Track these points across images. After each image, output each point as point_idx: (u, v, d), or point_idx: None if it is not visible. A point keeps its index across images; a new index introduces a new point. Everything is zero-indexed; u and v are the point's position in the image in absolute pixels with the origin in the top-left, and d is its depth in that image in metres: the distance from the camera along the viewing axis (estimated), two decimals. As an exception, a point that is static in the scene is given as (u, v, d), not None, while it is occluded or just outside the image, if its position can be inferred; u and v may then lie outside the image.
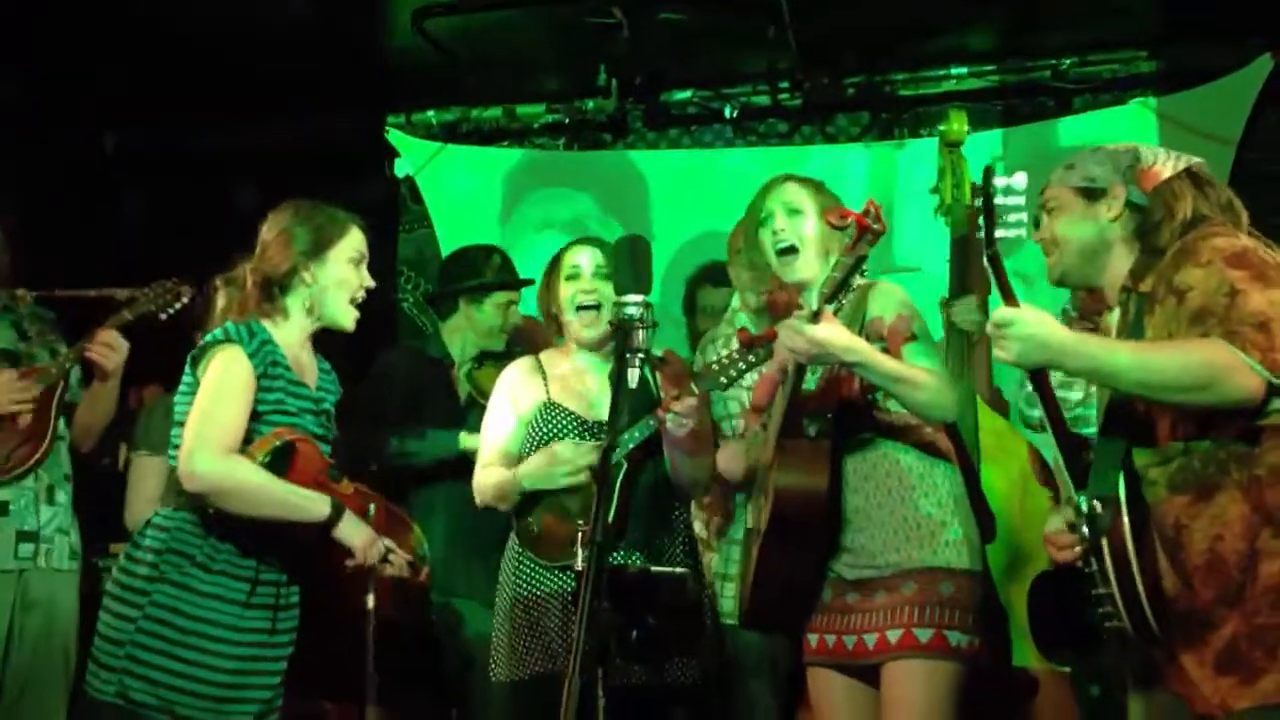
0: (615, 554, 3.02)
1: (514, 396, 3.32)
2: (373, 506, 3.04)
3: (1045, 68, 4.98)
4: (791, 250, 3.01)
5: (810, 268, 3.00)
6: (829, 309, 2.81)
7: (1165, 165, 2.48)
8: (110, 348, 3.59)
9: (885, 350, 2.85)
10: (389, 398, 3.91)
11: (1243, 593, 2.27)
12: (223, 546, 2.88)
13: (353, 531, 2.92)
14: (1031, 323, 2.33)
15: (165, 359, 3.67)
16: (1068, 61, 4.95)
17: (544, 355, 3.37)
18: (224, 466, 2.81)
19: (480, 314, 4.02)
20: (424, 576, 3.33)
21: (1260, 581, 2.26)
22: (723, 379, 3.01)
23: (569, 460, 3.12)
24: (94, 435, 3.78)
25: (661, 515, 3.20)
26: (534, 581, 3.21)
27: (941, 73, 5.08)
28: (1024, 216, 2.55)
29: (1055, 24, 4.83)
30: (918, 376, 2.83)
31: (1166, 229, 2.43)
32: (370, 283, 3.04)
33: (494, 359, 3.96)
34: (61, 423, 3.69)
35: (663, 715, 3.10)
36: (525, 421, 3.29)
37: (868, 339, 2.87)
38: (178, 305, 3.58)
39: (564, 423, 3.24)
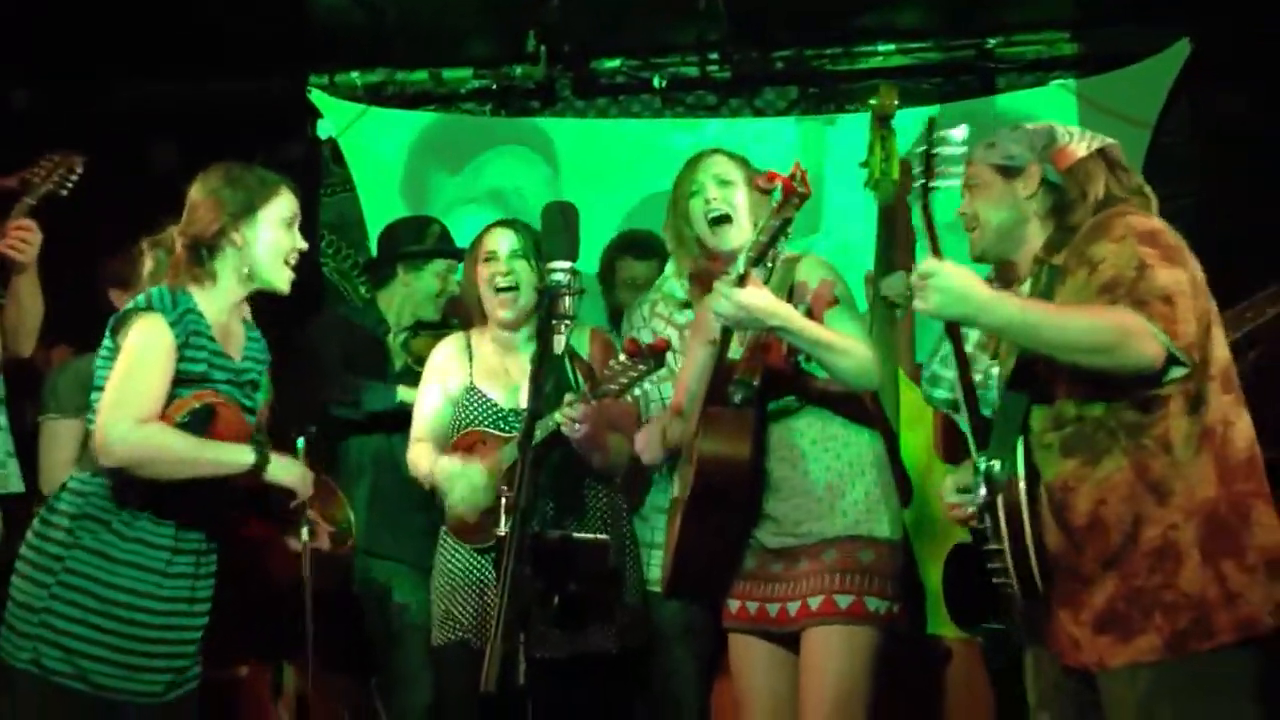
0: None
1: (443, 376, 3.40)
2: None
3: (971, 47, 5.04)
4: (725, 219, 3.04)
5: (742, 235, 3.02)
6: (755, 273, 2.84)
7: (1080, 145, 2.56)
8: (24, 238, 3.41)
9: (809, 315, 2.87)
10: (326, 355, 3.91)
11: (1121, 555, 2.36)
12: (140, 514, 2.82)
13: (284, 471, 2.88)
14: (954, 275, 2.39)
15: (75, 318, 3.61)
16: (993, 41, 5.02)
17: (473, 334, 3.44)
18: (139, 434, 2.74)
19: (419, 281, 4.03)
20: (348, 546, 3.34)
21: (1140, 546, 2.36)
22: (611, 386, 3.01)
23: (466, 491, 3.18)
24: (29, 334, 3.57)
25: (572, 495, 3.25)
26: (459, 561, 3.30)
27: (870, 49, 5.12)
28: (962, 169, 2.63)
29: (982, 4, 4.90)
30: (842, 342, 2.86)
31: (1079, 208, 2.51)
32: (303, 245, 2.98)
33: (430, 328, 3.98)
34: None
35: (584, 683, 3.14)
36: (452, 401, 3.37)
37: (794, 305, 2.89)
38: (74, 178, 3.46)
39: (482, 409, 3.33)
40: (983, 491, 2.43)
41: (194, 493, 2.82)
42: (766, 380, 2.92)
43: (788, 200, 2.76)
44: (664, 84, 5.25)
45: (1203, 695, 2.31)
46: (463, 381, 3.36)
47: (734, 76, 5.21)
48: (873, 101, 3.97)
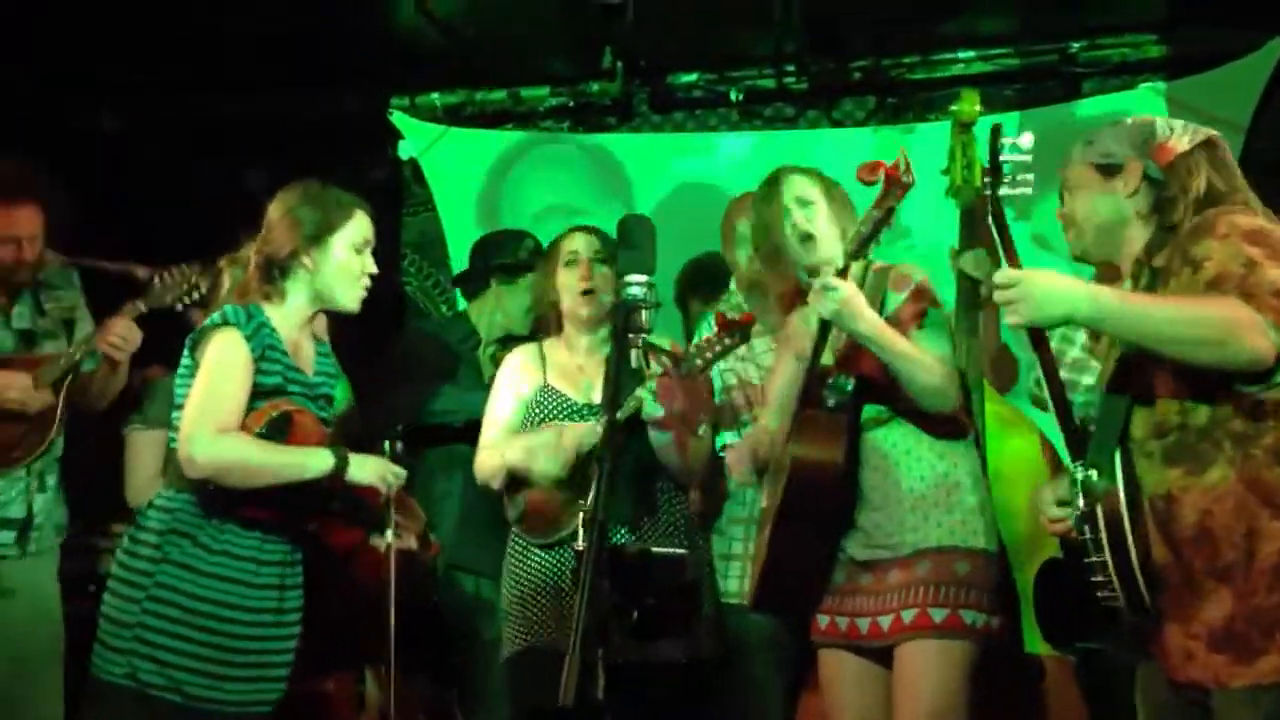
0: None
1: (515, 381, 3.41)
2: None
3: (1054, 51, 4.95)
4: (809, 238, 3.02)
5: (831, 248, 3.01)
6: (854, 265, 2.83)
7: (1182, 139, 2.47)
8: (123, 339, 3.56)
9: (902, 310, 2.88)
10: (415, 366, 3.96)
11: (1235, 570, 2.28)
12: (225, 527, 2.88)
13: (364, 470, 2.93)
14: (1039, 277, 2.34)
15: (168, 339, 3.69)
16: (1076, 45, 4.92)
17: (545, 343, 3.45)
18: (221, 445, 2.81)
19: (512, 295, 4.07)
20: (434, 550, 3.37)
21: (1258, 562, 2.27)
22: (698, 360, 3.02)
23: (550, 442, 3.15)
24: (100, 407, 3.77)
25: (646, 493, 3.22)
26: (526, 560, 3.28)
27: (949, 56, 5.05)
28: (1031, 176, 2.57)
29: (1064, 7, 4.80)
30: (925, 360, 2.83)
31: (1181, 204, 2.42)
32: (373, 269, 3.03)
33: (519, 342, 3.99)
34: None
35: (658, 695, 3.12)
36: (525, 405, 3.36)
37: (884, 315, 2.88)
38: (193, 297, 3.52)
39: (557, 405, 3.33)
40: (1081, 502, 2.35)
41: (276, 502, 2.87)
42: (860, 386, 2.90)
43: (889, 190, 2.76)
44: (740, 97, 5.24)
45: None
46: (536, 383, 3.38)
47: (811, 87, 5.18)
48: (954, 108, 3.90)
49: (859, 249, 2.82)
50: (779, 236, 3.07)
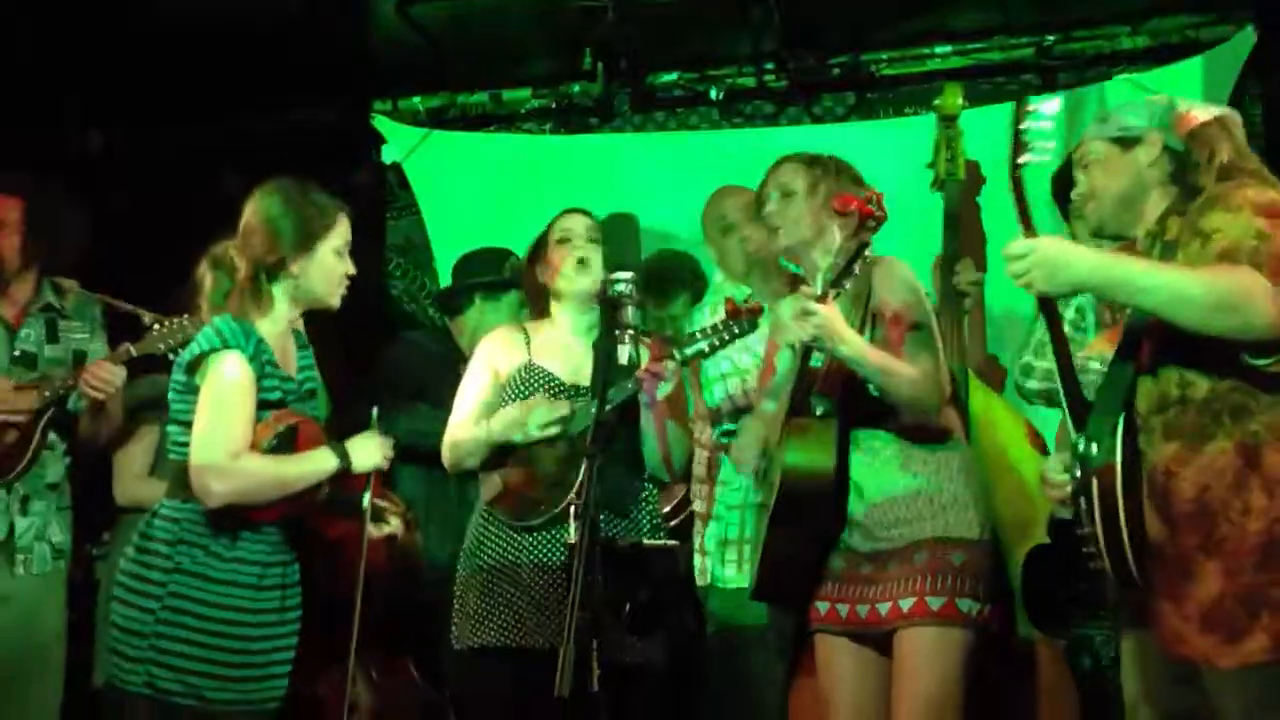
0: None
1: (494, 358, 3.36)
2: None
3: (1030, 45, 4.98)
4: (775, 229, 3.10)
5: (790, 239, 3.07)
6: (833, 294, 2.86)
7: (1201, 112, 2.51)
8: (104, 382, 3.57)
9: (887, 334, 2.92)
10: (403, 381, 3.96)
11: (1226, 546, 2.30)
12: (239, 534, 2.91)
13: (365, 454, 2.97)
14: (1052, 245, 2.36)
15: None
16: (1052, 38, 4.95)
17: (527, 324, 3.42)
18: (235, 475, 2.84)
19: (494, 312, 4.08)
20: (413, 530, 3.35)
21: (1247, 539, 2.30)
22: (705, 346, 3.05)
23: (542, 412, 3.12)
24: (97, 445, 3.82)
25: (631, 483, 3.23)
26: (503, 548, 3.22)
27: (926, 51, 5.07)
28: (1053, 144, 2.59)
29: (1040, 1, 4.84)
30: (904, 371, 2.88)
31: (1205, 170, 2.44)
32: (352, 270, 3.05)
33: None
34: (52, 435, 3.69)
35: (652, 684, 3.13)
36: (504, 383, 3.31)
37: (874, 317, 2.92)
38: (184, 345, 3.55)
39: (543, 383, 3.29)
40: (1077, 473, 2.36)
41: (281, 505, 2.90)
42: (848, 391, 2.93)
43: (863, 225, 2.80)
44: (721, 95, 5.26)
45: None
46: (519, 361, 3.33)
47: (791, 85, 5.20)
48: (937, 102, 3.96)
49: (837, 280, 2.86)
50: (761, 219, 3.14)
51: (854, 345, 2.85)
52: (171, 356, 3.43)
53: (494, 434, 3.22)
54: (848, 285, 2.93)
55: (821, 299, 2.84)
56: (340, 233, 3.03)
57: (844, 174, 3.14)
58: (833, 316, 2.83)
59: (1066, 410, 2.46)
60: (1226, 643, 2.29)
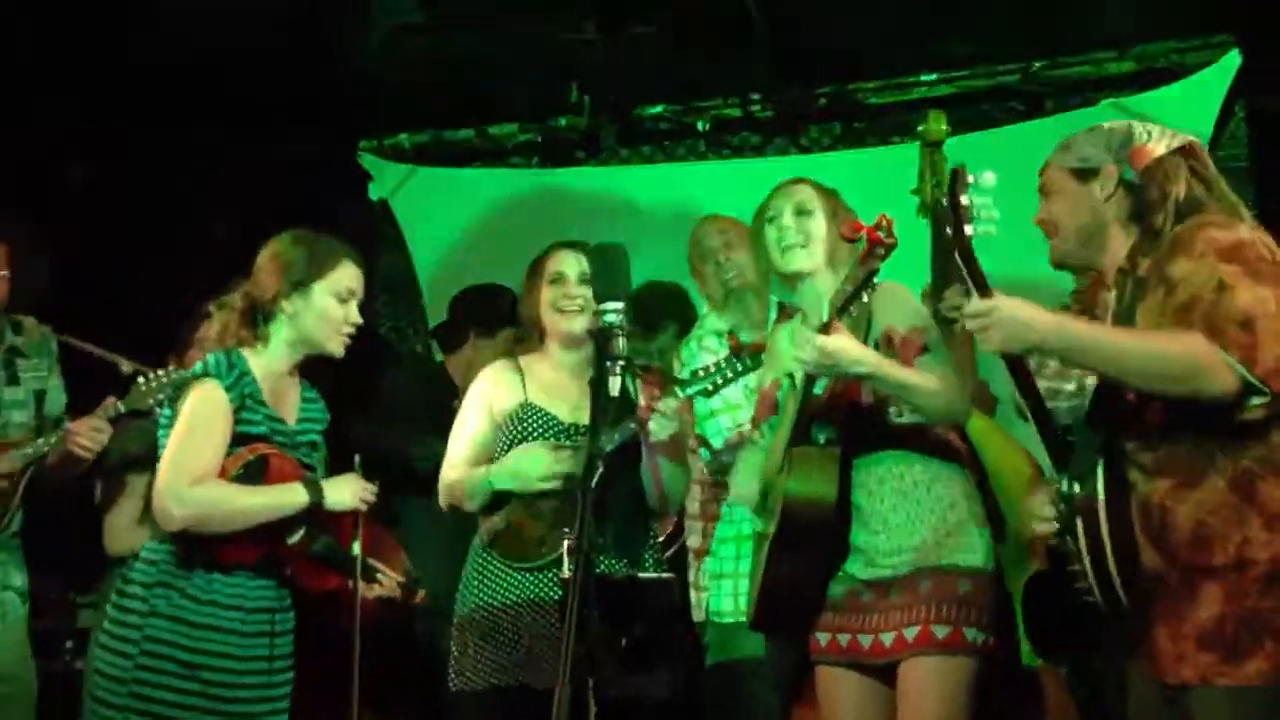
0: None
1: (490, 396, 3.27)
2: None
3: (1015, 71, 5.01)
4: (794, 246, 3.02)
5: (811, 262, 3.01)
6: (840, 322, 2.82)
7: (1158, 144, 2.46)
8: (93, 441, 3.51)
9: (896, 359, 2.86)
10: (404, 410, 3.94)
11: (1228, 574, 2.29)
12: (211, 576, 2.86)
13: (340, 493, 2.93)
14: (1011, 306, 2.35)
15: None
16: (1038, 65, 4.98)
17: (523, 359, 3.32)
18: (193, 495, 2.80)
19: (488, 350, 4.04)
20: (420, 599, 3.29)
21: (1250, 569, 2.28)
22: (709, 385, 3.00)
23: (545, 464, 3.09)
24: (57, 484, 3.69)
25: (637, 523, 3.19)
26: (502, 588, 3.15)
27: (912, 80, 5.10)
28: (996, 214, 2.54)
29: (1025, 28, 4.86)
30: (927, 383, 2.84)
31: (1160, 210, 2.42)
32: (358, 319, 3.00)
33: None
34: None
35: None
36: (500, 422, 3.24)
37: (879, 345, 2.89)
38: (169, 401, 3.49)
39: (541, 424, 3.20)
40: (1061, 510, 2.36)
41: (254, 543, 2.85)
42: (850, 419, 2.91)
43: (872, 252, 2.76)
44: (708, 127, 5.27)
45: None
46: (516, 399, 3.24)
47: (777, 115, 5.22)
48: (922, 128, 3.95)
49: (844, 306, 2.82)
50: (761, 242, 3.08)
51: (871, 364, 2.81)
52: (157, 411, 3.37)
53: (495, 483, 3.16)
54: (854, 312, 2.90)
55: (826, 327, 2.82)
56: (342, 278, 2.98)
57: (849, 210, 3.12)
58: (844, 340, 2.80)
59: (1047, 452, 2.44)
60: (1225, 662, 2.27)
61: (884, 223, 2.76)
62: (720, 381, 3.01)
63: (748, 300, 3.65)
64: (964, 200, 2.47)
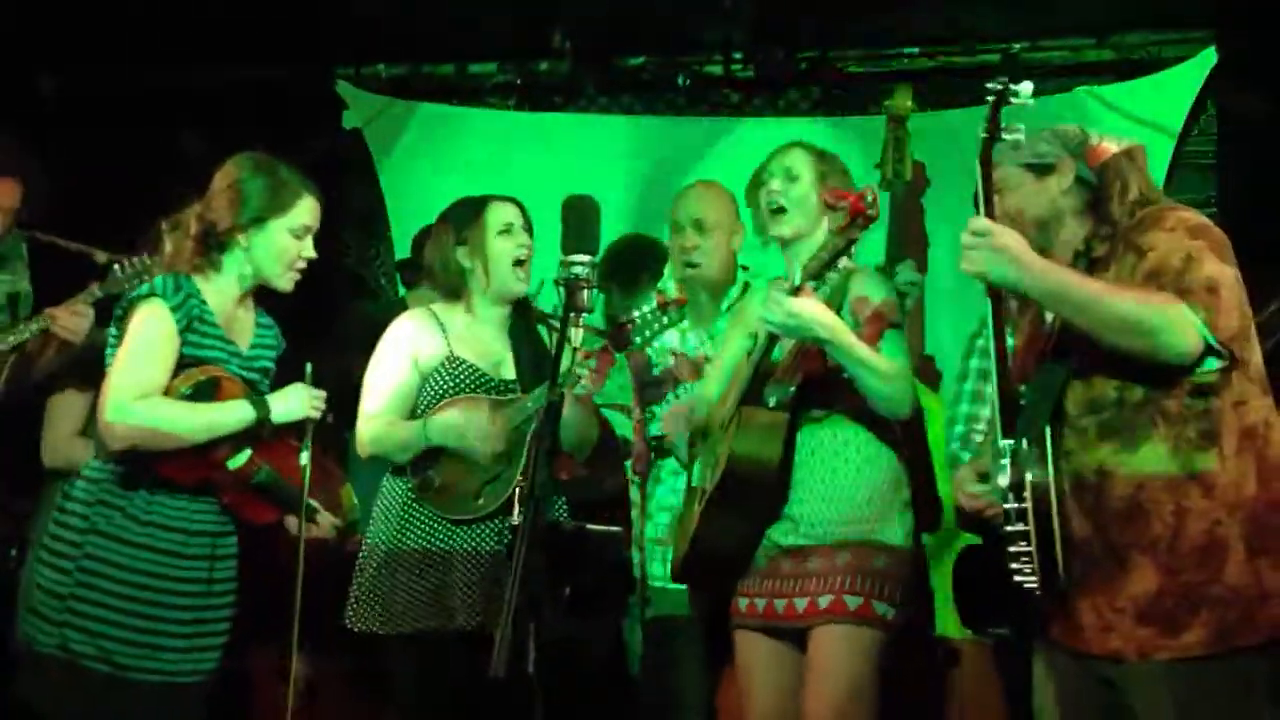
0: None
1: (413, 347, 3.27)
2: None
3: (997, 51, 5.02)
4: (780, 210, 3.06)
5: (793, 227, 3.05)
6: (810, 285, 2.85)
7: (1112, 144, 2.58)
8: (76, 324, 3.55)
9: (862, 331, 2.90)
10: (358, 342, 3.94)
11: (1163, 545, 2.36)
12: (153, 498, 2.85)
13: (288, 404, 2.91)
14: (1007, 236, 2.41)
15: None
16: (1019, 46, 4.99)
17: (437, 308, 3.33)
18: (136, 412, 2.78)
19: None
20: (355, 540, 3.30)
21: (1186, 540, 2.35)
22: (636, 339, 3.05)
23: (488, 424, 3.12)
24: (36, 379, 3.76)
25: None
26: (431, 535, 3.18)
27: (894, 51, 5.10)
28: (1022, 127, 2.53)
29: (1008, 9, 4.87)
30: (884, 366, 2.88)
31: (1118, 203, 2.52)
32: (311, 254, 2.98)
33: None
34: None
35: (587, 669, 3.13)
36: (425, 374, 3.25)
37: (850, 317, 2.93)
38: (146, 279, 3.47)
39: (468, 378, 3.23)
40: (1009, 472, 2.38)
41: (197, 468, 2.84)
42: (803, 386, 2.95)
43: (853, 221, 2.78)
44: (688, 82, 5.25)
45: (1242, 694, 2.33)
46: (439, 352, 3.25)
47: (758, 76, 5.21)
48: (888, 103, 3.98)
49: (817, 272, 2.85)
50: (755, 203, 3.14)
51: (835, 330, 2.84)
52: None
53: (434, 438, 3.16)
54: (829, 280, 2.93)
55: (797, 290, 2.85)
56: (301, 214, 2.94)
57: (847, 175, 3.14)
58: (811, 303, 2.83)
59: (998, 410, 2.46)
60: (1163, 635, 2.34)
61: (868, 194, 2.79)
62: (648, 334, 3.08)
63: (699, 297, 3.68)
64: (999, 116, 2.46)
